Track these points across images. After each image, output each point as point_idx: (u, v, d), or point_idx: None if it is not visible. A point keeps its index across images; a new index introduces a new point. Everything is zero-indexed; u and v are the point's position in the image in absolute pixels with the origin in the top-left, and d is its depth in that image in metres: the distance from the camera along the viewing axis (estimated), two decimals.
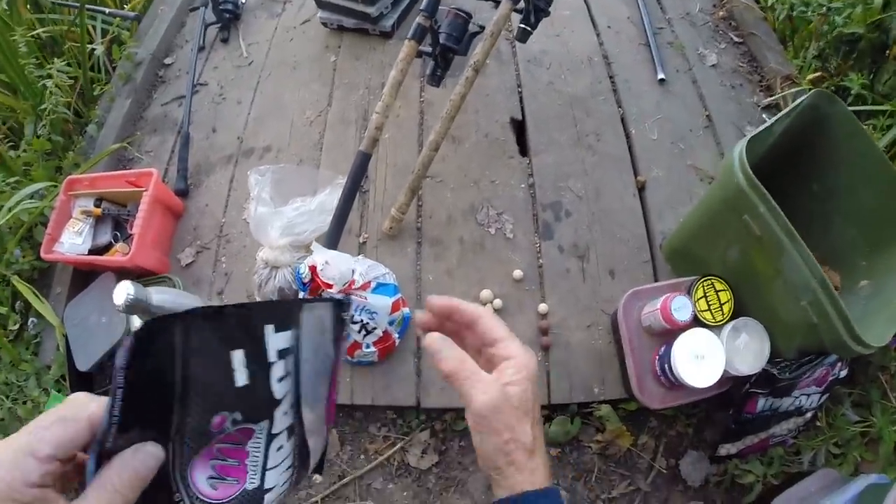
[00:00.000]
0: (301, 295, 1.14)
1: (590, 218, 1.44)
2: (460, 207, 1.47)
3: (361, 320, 1.15)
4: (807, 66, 1.69)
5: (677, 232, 1.31)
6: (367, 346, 1.20)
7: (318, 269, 1.03)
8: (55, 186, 1.66)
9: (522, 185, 1.51)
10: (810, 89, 1.42)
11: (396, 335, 1.25)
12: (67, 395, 1.44)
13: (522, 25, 1.43)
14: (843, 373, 1.09)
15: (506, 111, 1.65)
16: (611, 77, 1.73)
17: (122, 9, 2.19)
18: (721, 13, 1.93)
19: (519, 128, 1.64)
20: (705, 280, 1.10)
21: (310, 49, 1.94)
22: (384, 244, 1.42)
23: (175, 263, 1.55)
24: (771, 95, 1.68)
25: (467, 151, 1.56)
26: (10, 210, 1.55)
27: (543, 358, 1.26)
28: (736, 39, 1.85)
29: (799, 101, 1.02)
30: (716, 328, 1.07)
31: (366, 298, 1.14)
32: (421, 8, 1.38)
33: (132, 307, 0.99)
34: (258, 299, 1.32)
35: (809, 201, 1.13)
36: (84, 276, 1.63)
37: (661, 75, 1.70)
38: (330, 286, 1.05)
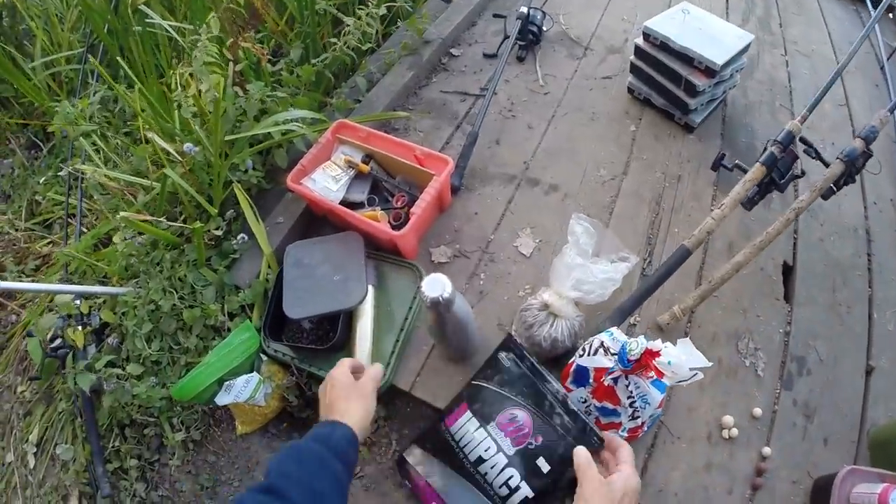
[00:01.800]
0: (615, 364, 1.27)
1: (823, 383, 1.55)
2: (726, 329, 1.59)
3: (635, 406, 1.27)
4: None
5: (891, 426, 1.41)
6: (623, 430, 1.29)
7: (663, 360, 1.16)
8: (323, 121, 1.87)
9: (780, 330, 1.62)
10: None
11: (646, 428, 1.34)
12: (258, 331, 1.57)
13: (832, 185, 1.59)
14: None
15: (780, 253, 1.78)
16: (869, 255, 1.86)
17: None
18: None
19: (786, 271, 1.77)
20: None
21: (610, 107, 2.14)
22: (652, 334, 1.53)
23: (424, 254, 1.69)
24: None
25: (743, 279, 1.67)
26: (277, 124, 1.72)
27: (750, 496, 1.36)
28: None
29: None
30: None
31: (648, 387, 1.26)
32: (778, 139, 1.57)
33: (436, 302, 1.13)
34: (517, 334, 1.45)
35: None
36: (313, 220, 1.81)
37: None
38: (662, 375, 1.18)
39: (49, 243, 2.14)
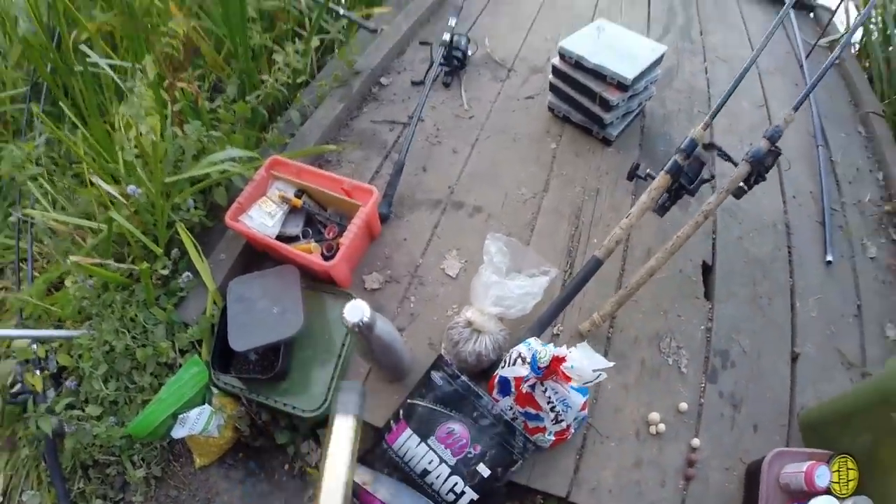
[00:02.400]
0: (529, 373, 1.39)
1: (748, 374, 1.69)
2: (647, 332, 1.73)
3: (557, 410, 1.39)
4: None
5: (819, 408, 1.55)
6: (550, 434, 1.41)
7: (568, 364, 1.29)
8: (256, 159, 1.95)
9: (702, 327, 1.77)
10: None
11: (573, 430, 1.46)
12: (207, 365, 1.66)
13: (742, 184, 1.72)
14: None
15: (699, 254, 1.93)
16: (789, 247, 2.02)
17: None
18: (888, 207, 2.23)
19: (705, 271, 1.92)
20: (842, 457, 1.33)
21: (531, 127, 2.28)
22: (575, 343, 1.66)
23: (358, 282, 1.80)
24: None
25: (662, 282, 1.81)
26: (213, 164, 1.82)
27: (684, 487, 1.50)
28: (894, 236, 2.15)
29: None
30: (840, 500, 1.29)
31: (568, 392, 1.38)
32: (682, 147, 1.70)
33: (357, 326, 1.23)
34: (446, 352, 1.57)
35: None
36: (253, 255, 1.90)
37: (829, 258, 2.00)
38: (568, 379, 1.31)
39: (1, 289, 2.19)
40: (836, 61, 2.79)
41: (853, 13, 3.21)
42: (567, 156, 2.19)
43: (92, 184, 1.78)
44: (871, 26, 3.08)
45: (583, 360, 1.26)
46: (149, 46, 2.04)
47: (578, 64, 2.12)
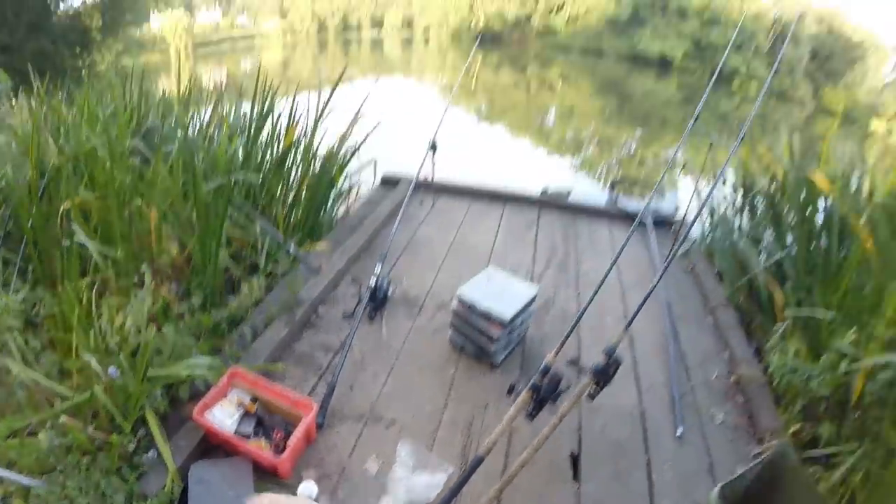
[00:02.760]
0: None
1: None
2: None
3: None
4: (793, 419, 2.50)
5: None
6: None
7: None
8: (219, 367, 2.42)
9: (572, 502, 2.25)
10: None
11: None
12: None
13: (594, 390, 2.15)
14: None
15: (568, 445, 2.48)
16: (644, 429, 2.59)
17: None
18: (734, 378, 2.90)
19: (574, 459, 2.44)
20: None
21: (436, 356, 2.93)
22: None
23: (297, 476, 2.19)
24: (761, 445, 2.48)
25: (537, 471, 2.32)
26: (189, 367, 2.31)
27: None
28: (740, 401, 2.76)
29: (760, 460, 1.84)
30: None
31: None
32: (539, 370, 2.34)
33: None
34: None
35: None
36: (208, 445, 2.27)
37: (678, 431, 2.58)
38: None
39: None
40: (690, 268, 3.67)
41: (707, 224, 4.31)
42: (462, 379, 2.81)
43: (78, 355, 2.16)
44: (715, 226, 4.20)
45: None
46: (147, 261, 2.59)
47: (472, 308, 2.82)
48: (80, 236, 2.49)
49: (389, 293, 3.24)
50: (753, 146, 4.32)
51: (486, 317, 2.78)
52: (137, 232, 2.80)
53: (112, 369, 2.14)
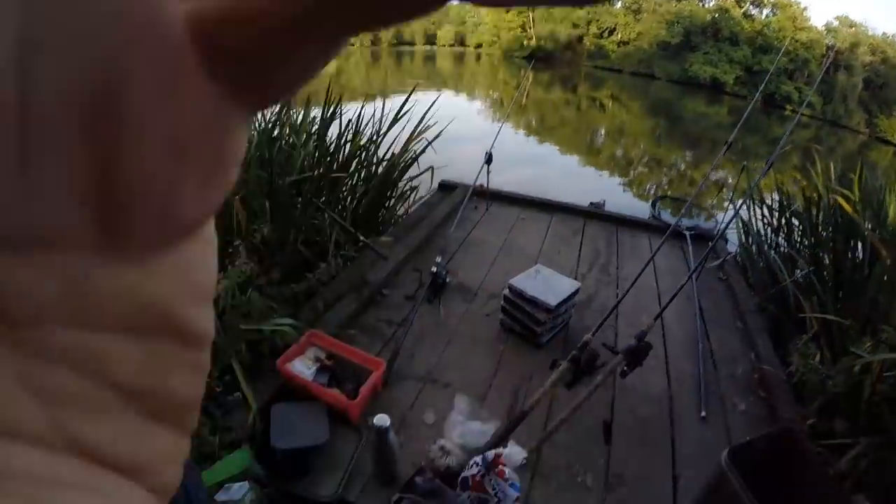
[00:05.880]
0: (480, 467, 2.21)
1: (638, 489, 2.41)
2: (563, 462, 2.51)
3: (498, 497, 2.12)
4: (810, 414, 2.69)
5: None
6: None
7: (503, 456, 2.14)
8: (297, 327, 2.83)
9: (602, 459, 2.54)
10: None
11: None
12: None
13: (625, 368, 2.52)
14: None
15: (602, 414, 2.79)
16: (671, 410, 2.88)
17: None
18: (756, 375, 3.13)
19: (607, 426, 2.75)
20: None
21: (488, 334, 3.30)
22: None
23: (363, 421, 2.56)
24: None
25: (574, 433, 2.63)
26: (274, 325, 2.73)
27: None
28: (762, 395, 3.00)
29: (771, 430, 2.12)
30: None
31: (506, 487, 2.15)
32: (578, 346, 2.68)
33: (378, 430, 2.10)
34: (426, 466, 2.34)
35: (785, 500, 1.98)
36: (284, 393, 2.63)
37: (702, 413, 2.85)
38: (504, 467, 2.14)
39: None
40: (723, 277, 4.07)
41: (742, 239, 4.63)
42: (510, 355, 3.17)
43: None
44: (752, 246, 4.53)
45: (512, 451, 2.12)
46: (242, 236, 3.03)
47: (521, 294, 3.18)
48: None
49: (447, 281, 3.63)
50: (800, 170, 4.62)
51: (534, 303, 3.13)
52: (219, 216, 3.21)
53: None
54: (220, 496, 2.13)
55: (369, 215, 4.53)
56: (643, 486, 2.48)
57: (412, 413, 2.71)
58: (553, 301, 3.09)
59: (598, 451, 2.65)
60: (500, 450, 2.15)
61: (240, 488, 2.15)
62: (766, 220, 4.85)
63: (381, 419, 2.05)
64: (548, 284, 3.23)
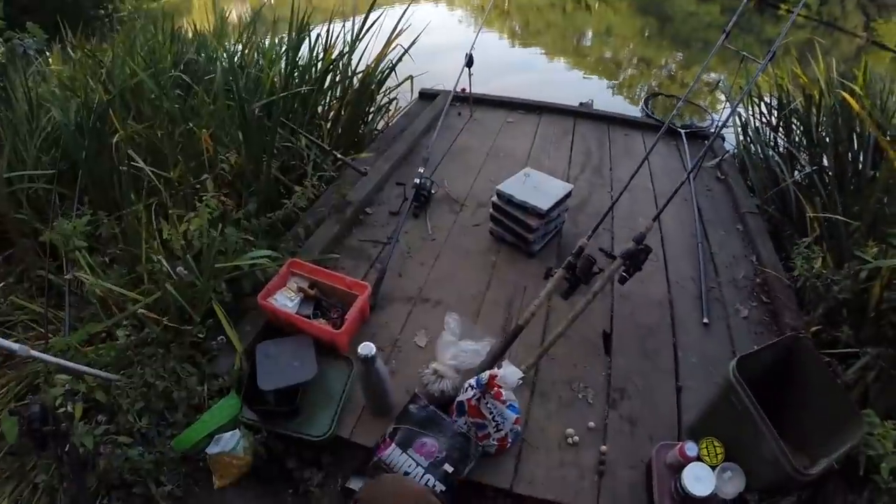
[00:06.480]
0: (475, 390, 2.02)
1: (642, 403, 2.29)
2: (562, 378, 2.36)
3: (496, 421, 1.97)
4: (814, 321, 2.55)
5: (696, 417, 2.15)
6: (493, 440, 2.00)
7: (498, 378, 1.96)
8: (276, 258, 2.59)
9: (603, 374, 2.40)
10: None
11: (510, 441, 2.05)
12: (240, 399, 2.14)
13: (624, 273, 2.32)
14: None
15: (601, 325, 2.63)
16: (672, 317, 2.72)
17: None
18: (758, 280, 2.97)
19: (606, 337, 2.59)
20: (708, 438, 1.91)
21: (478, 246, 3.09)
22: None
23: (353, 350, 2.35)
24: None
25: (573, 344, 2.49)
26: (251, 259, 2.49)
27: (598, 479, 2.02)
28: (765, 300, 2.85)
29: (778, 340, 1.96)
30: (712, 467, 1.82)
31: (503, 408, 1.97)
32: (573, 252, 2.41)
33: (364, 360, 1.88)
34: (420, 392, 2.16)
35: (791, 407, 1.92)
36: (270, 330, 2.45)
37: (705, 320, 2.70)
38: (500, 389, 1.96)
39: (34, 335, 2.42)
40: (722, 176, 3.86)
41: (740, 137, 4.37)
42: (503, 266, 2.98)
43: (149, 259, 2.35)
44: (752, 145, 4.25)
45: (507, 372, 1.93)
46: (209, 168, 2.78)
47: (509, 200, 2.94)
48: (137, 160, 2.64)
49: (433, 192, 3.40)
50: (799, 66, 4.27)
51: (524, 208, 2.90)
52: (188, 154, 2.95)
53: (180, 268, 2.32)
54: (210, 449, 2.01)
55: (349, 133, 4.22)
56: (646, 400, 2.34)
57: (403, 336, 2.55)
58: (544, 205, 2.86)
59: (599, 363, 2.50)
60: (495, 370, 1.96)
61: (231, 437, 2.03)
62: (764, 119, 4.52)
63: (366, 348, 1.87)
64: (538, 188, 2.99)
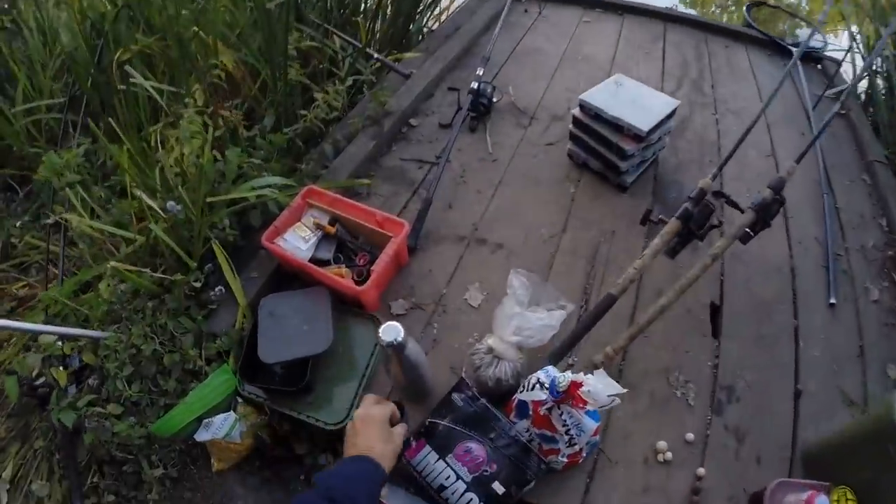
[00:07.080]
0: (547, 396, 1.46)
1: (753, 408, 1.74)
2: (657, 366, 1.80)
3: (571, 434, 1.45)
4: None
5: (820, 442, 1.60)
6: (563, 456, 1.46)
7: (585, 389, 1.36)
8: (293, 186, 2.06)
9: (708, 363, 1.83)
10: None
11: (584, 455, 1.51)
12: (234, 373, 1.71)
13: (748, 230, 1.78)
14: None
15: (707, 295, 2.01)
16: (793, 290, 2.09)
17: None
18: (890, 252, 2.30)
19: (713, 311, 1.99)
20: (841, 488, 1.38)
21: (552, 172, 2.41)
22: (590, 372, 1.73)
23: (384, 307, 1.87)
24: None
25: (672, 320, 1.89)
26: (253, 189, 1.94)
27: None
28: None
29: None
30: None
31: (582, 416, 1.45)
32: (692, 195, 1.81)
33: (391, 345, 1.30)
34: (466, 375, 1.64)
35: None
36: (283, 276, 1.97)
37: (832, 300, 2.05)
38: (584, 404, 1.38)
39: (25, 286, 2.25)
40: (843, 111, 2.98)
41: (860, 64, 3.41)
42: (584, 200, 2.31)
43: (131, 196, 1.89)
44: (877, 77, 3.29)
45: (598, 386, 1.33)
46: (197, 75, 2.17)
47: (597, 116, 2.24)
48: (137, 78, 2.11)
49: (494, 101, 2.70)
50: None
51: (617, 126, 2.20)
52: (201, 70, 2.38)
53: (170, 203, 1.81)
54: (200, 435, 1.63)
55: (393, 35, 3.47)
56: (759, 405, 1.77)
57: (451, 291, 1.97)
58: (645, 125, 2.15)
59: (704, 348, 1.90)
60: (580, 377, 1.34)
61: (223, 421, 1.63)
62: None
63: (391, 331, 1.29)
64: (635, 102, 2.26)
